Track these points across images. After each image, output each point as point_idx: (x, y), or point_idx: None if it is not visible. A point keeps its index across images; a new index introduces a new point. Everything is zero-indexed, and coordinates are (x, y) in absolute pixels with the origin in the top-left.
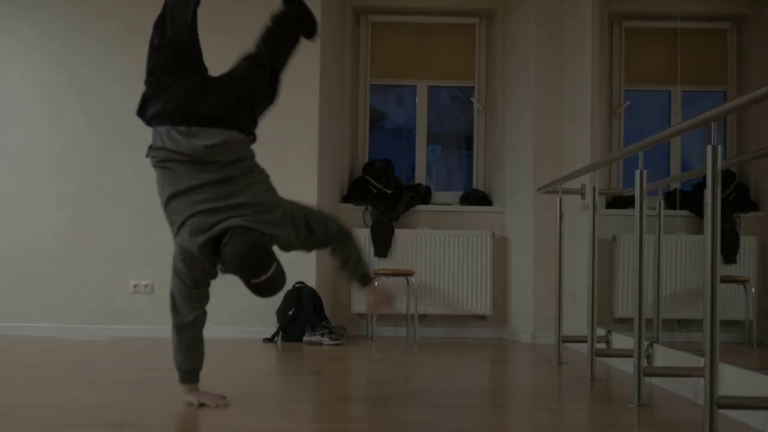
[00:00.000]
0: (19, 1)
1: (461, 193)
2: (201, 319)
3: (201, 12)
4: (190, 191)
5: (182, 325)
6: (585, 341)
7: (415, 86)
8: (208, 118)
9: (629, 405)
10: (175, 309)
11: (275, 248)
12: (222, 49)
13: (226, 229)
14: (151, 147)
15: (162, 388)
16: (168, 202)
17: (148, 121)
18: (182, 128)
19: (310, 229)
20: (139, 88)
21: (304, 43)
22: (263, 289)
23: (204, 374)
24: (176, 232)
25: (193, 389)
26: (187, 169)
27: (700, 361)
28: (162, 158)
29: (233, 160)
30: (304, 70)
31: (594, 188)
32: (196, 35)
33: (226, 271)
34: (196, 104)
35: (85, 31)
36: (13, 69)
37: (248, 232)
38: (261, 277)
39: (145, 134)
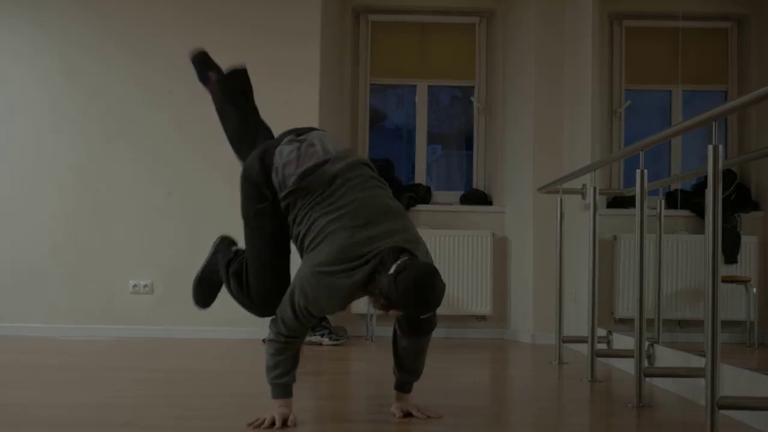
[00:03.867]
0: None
1: (461, 193)
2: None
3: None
4: None
5: (285, 347)
6: (585, 341)
7: (415, 86)
8: None
9: (630, 405)
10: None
11: None
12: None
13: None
14: None
15: (162, 388)
16: None
17: None
18: None
19: None
20: (140, 88)
21: (303, 42)
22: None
23: (205, 374)
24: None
25: (288, 404)
26: None
27: (701, 362)
28: None
29: None
30: (303, 69)
31: (594, 188)
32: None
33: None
34: None
35: (88, 29)
36: (13, 68)
37: None
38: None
39: (144, 135)
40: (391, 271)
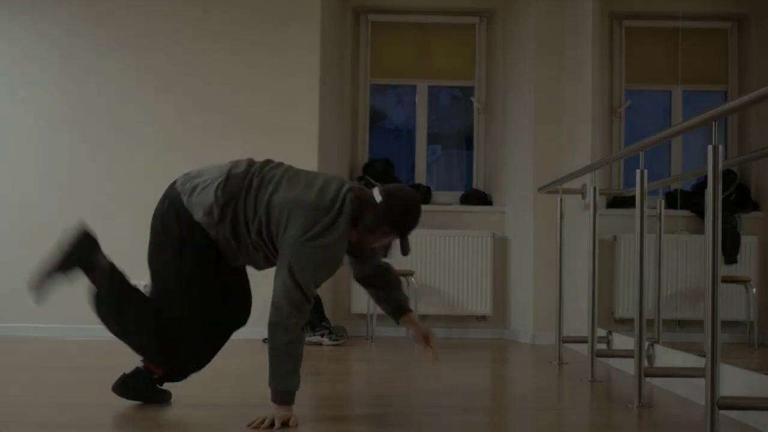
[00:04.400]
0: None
1: (461, 193)
2: None
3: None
4: None
5: (299, 335)
6: (585, 341)
7: (415, 86)
8: None
9: (630, 405)
10: (296, 315)
11: None
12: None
13: None
14: None
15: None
16: None
17: None
18: None
19: None
20: (141, 86)
21: (303, 42)
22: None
23: (204, 374)
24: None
25: (291, 407)
26: None
27: (701, 362)
28: None
29: None
30: (304, 69)
31: (594, 188)
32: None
33: None
34: None
35: (89, 23)
36: (14, 67)
37: None
38: None
39: (144, 134)
40: (379, 199)
